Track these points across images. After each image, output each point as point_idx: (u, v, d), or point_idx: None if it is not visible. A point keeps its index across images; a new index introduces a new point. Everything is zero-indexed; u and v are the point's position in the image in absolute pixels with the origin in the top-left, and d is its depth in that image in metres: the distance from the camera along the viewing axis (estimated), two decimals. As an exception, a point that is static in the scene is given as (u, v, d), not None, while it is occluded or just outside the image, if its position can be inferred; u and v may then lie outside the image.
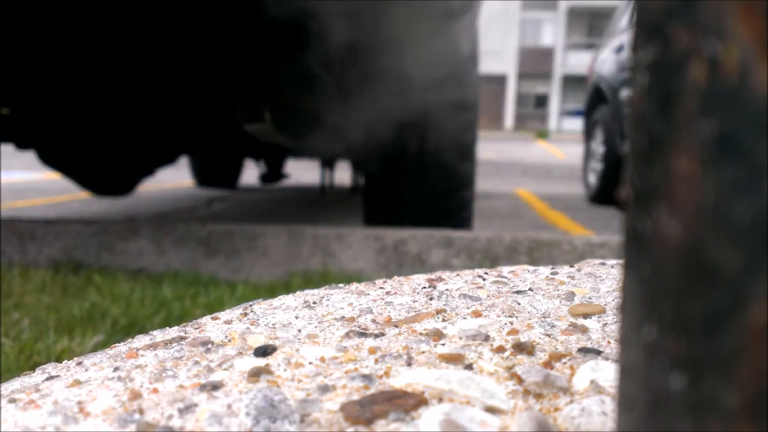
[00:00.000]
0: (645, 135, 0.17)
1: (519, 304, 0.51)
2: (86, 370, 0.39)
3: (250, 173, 5.58)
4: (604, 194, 4.22)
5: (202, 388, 0.35)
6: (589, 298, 0.53)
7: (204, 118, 1.99)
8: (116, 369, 0.39)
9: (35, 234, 1.90)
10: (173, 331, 0.47)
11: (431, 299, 0.53)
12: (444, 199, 2.03)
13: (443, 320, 0.47)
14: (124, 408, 0.33)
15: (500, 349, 0.41)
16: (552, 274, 0.62)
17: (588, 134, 4.73)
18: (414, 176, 1.98)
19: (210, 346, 0.42)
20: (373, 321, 0.47)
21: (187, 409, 0.33)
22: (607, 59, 4.36)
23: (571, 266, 0.66)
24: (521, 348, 0.41)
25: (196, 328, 0.47)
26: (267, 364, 0.38)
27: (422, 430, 0.30)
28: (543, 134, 20.49)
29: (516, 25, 26.47)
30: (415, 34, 1.50)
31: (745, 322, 0.15)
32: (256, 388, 0.35)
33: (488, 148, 12.17)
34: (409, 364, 0.38)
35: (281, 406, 0.33)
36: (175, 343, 0.43)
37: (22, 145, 2.15)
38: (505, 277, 0.61)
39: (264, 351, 0.41)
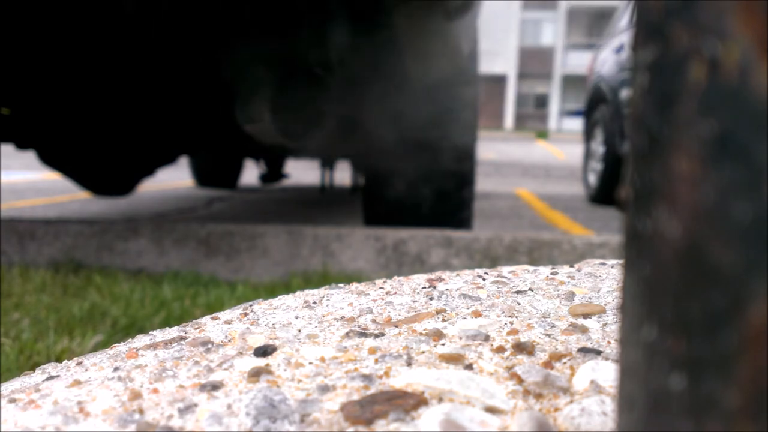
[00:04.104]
0: (645, 135, 0.17)
1: (519, 304, 0.51)
2: (86, 370, 0.39)
3: (250, 173, 5.58)
4: (604, 194, 4.22)
5: (202, 388, 0.35)
6: (589, 298, 0.53)
7: (204, 118, 1.99)
8: (116, 369, 0.39)
9: (35, 234, 1.90)
10: (173, 331, 0.47)
11: (431, 299, 0.53)
12: (444, 200, 2.03)
13: (443, 320, 0.47)
14: (124, 408, 0.33)
15: (500, 349, 0.41)
16: (552, 274, 0.62)
17: (588, 134, 4.73)
18: (414, 176, 1.98)
19: (210, 346, 0.42)
20: (373, 321, 0.47)
21: (187, 409, 0.33)
22: (607, 59, 4.37)
23: (571, 266, 0.66)
24: (521, 348, 0.41)
25: (196, 328, 0.47)
26: (267, 364, 0.38)
27: (422, 430, 0.30)
28: (543, 134, 20.48)
29: (516, 25, 26.47)
30: (416, 34, 1.49)
31: (745, 322, 0.15)
32: (256, 388, 0.35)
33: (488, 148, 12.17)
34: (409, 364, 0.38)
35: (281, 406, 0.33)
36: (175, 343, 0.43)
37: (22, 145, 2.15)
38: (505, 277, 0.61)
39: (264, 351, 0.40)
